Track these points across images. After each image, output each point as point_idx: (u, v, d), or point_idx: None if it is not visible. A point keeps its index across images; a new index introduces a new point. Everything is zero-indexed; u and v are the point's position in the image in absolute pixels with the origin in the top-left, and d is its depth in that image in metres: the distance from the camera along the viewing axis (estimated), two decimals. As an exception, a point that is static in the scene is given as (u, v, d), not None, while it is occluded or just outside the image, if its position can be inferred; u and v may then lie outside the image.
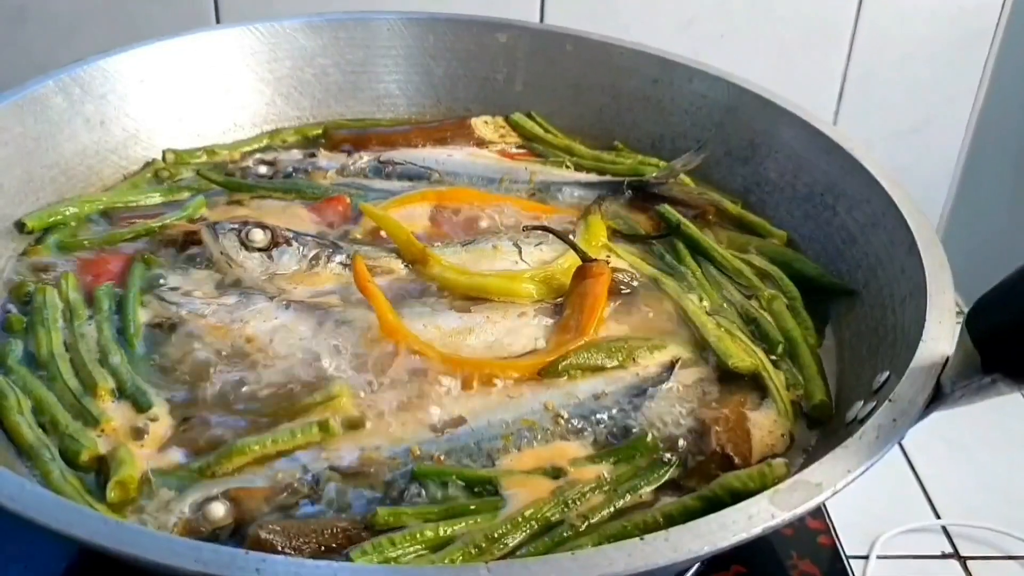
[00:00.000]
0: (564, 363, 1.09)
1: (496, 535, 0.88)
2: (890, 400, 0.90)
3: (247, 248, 1.24)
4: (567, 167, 1.54)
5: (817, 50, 1.97)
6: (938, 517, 1.42)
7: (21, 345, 1.11)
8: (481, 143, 1.61)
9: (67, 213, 1.33)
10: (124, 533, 0.72)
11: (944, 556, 1.37)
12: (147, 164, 1.50)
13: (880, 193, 1.24)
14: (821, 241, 1.33)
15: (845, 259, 1.28)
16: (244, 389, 1.07)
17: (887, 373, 1.00)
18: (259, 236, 1.24)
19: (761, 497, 0.80)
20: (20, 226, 1.29)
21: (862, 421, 0.94)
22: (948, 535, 1.40)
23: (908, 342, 1.01)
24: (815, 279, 1.28)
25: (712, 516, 0.78)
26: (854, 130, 2.00)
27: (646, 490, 0.97)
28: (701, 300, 1.23)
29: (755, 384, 1.11)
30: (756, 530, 0.77)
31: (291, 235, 1.26)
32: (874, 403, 0.95)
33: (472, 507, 0.92)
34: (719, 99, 1.52)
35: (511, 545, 0.88)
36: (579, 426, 1.03)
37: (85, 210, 1.35)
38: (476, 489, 0.95)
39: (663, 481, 0.98)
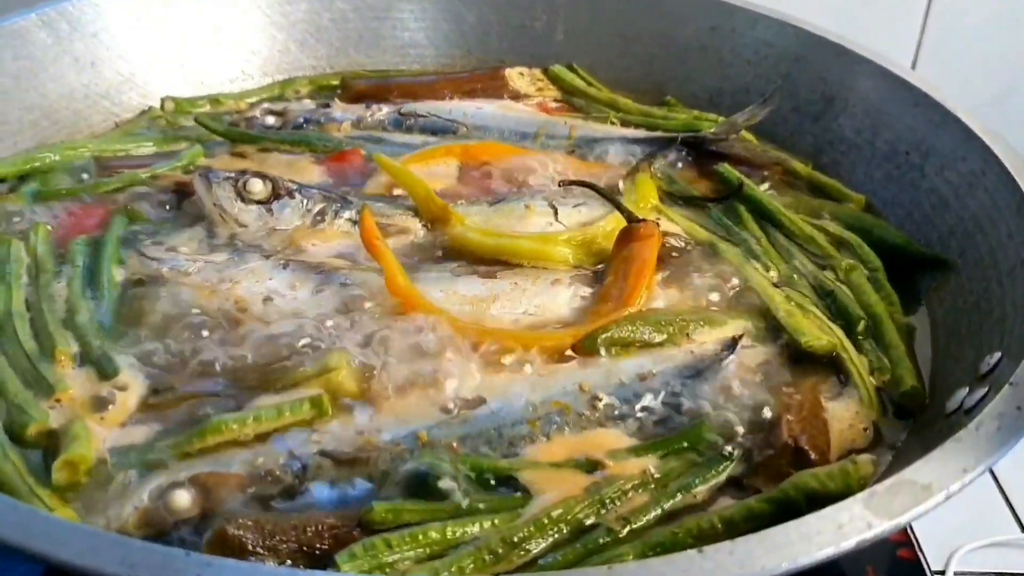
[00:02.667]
0: (604, 337, 0.95)
1: (516, 539, 0.75)
2: (1011, 384, 0.76)
3: (243, 200, 1.10)
4: (612, 123, 1.38)
5: (889, 14, 1.79)
6: (1024, 531, 1.25)
7: (-26, 302, 0.98)
8: (516, 96, 1.46)
9: (47, 160, 1.20)
10: (29, 522, 0.57)
11: (1032, 574, 1.20)
12: (143, 112, 1.38)
13: (978, 149, 1.09)
14: (906, 206, 1.18)
15: (935, 225, 1.12)
16: (228, 358, 0.93)
17: (998, 354, 0.86)
18: (258, 187, 1.10)
19: (854, 501, 0.64)
20: (-8, 173, 1.17)
21: (970, 411, 0.80)
22: (1034, 551, 1.23)
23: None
24: (901, 248, 1.12)
25: (791, 524, 0.62)
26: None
27: (700, 489, 0.82)
28: (767, 270, 1.08)
29: (833, 367, 0.96)
30: (848, 543, 0.62)
31: (294, 187, 1.12)
32: (985, 389, 0.81)
33: (488, 504, 0.79)
34: (787, 47, 1.37)
35: (534, 552, 0.75)
36: (620, 411, 0.89)
37: (67, 157, 1.22)
38: (494, 483, 0.81)
39: (722, 479, 0.83)
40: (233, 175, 1.11)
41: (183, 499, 0.78)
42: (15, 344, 0.92)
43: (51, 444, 0.83)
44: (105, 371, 0.90)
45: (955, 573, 1.17)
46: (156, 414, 0.87)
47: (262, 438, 0.84)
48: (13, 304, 0.97)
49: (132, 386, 0.89)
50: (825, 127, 1.31)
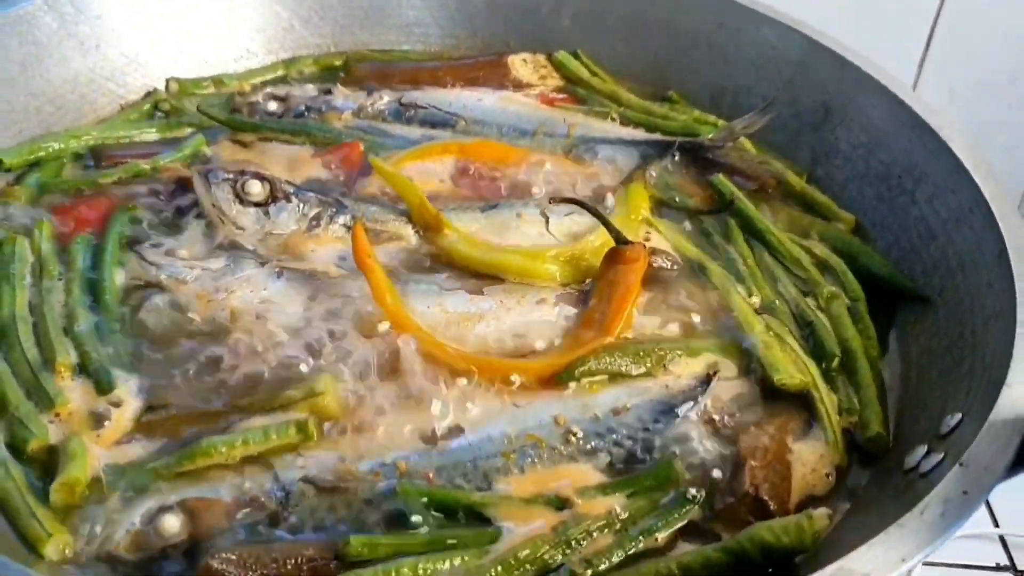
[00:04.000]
0: (582, 368, 0.96)
1: (484, 578, 0.78)
2: (961, 464, 0.76)
3: (242, 201, 1.11)
4: (612, 119, 1.37)
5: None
6: (996, 525, 1.30)
7: (-23, 304, 1.01)
8: (518, 85, 1.44)
9: (51, 149, 1.21)
10: None
11: (998, 568, 1.27)
12: (148, 94, 1.38)
13: (968, 184, 1.07)
14: (894, 230, 1.17)
15: (921, 257, 1.11)
16: (221, 375, 0.96)
17: (959, 416, 0.86)
18: (256, 189, 1.12)
19: (794, 590, 0.66)
20: (-3, 162, 1.18)
21: (925, 475, 0.81)
22: (1005, 545, 1.29)
23: (989, 377, 0.87)
24: (883, 278, 1.12)
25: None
26: (940, 76, 1.81)
27: (663, 534, 0.84)
28: (751, 295, 1.08)
29: (803, 404, 0.97)
30: (785, 633, 0.64)
31: (291, 190, 1.13)
32: (941, 455, 0.81)
33: (460, 539, 0.81)
34: (791, 52, 1.34)
35: (500, 592, 0.78)
36: (593, 446, 0.91)
37: (71, 146, 1.23)
38: (465, 517, 0.84)
39: (683, 523, 0.85)
40: (232, 176, 1.12)
41: (173, 524, 0.81)
42: (18, 351, 0.95)
43: (50, 459, 0.86)
44: (102, 385, 0.93)
45: (923, 563, 1.22)
46: (149, 432, 0.89)
47: (249, 461, 0.87)
48: (16, 307, 0.99)
49: (127, 402, 0.92)
50: (823, 138, 1.30)
